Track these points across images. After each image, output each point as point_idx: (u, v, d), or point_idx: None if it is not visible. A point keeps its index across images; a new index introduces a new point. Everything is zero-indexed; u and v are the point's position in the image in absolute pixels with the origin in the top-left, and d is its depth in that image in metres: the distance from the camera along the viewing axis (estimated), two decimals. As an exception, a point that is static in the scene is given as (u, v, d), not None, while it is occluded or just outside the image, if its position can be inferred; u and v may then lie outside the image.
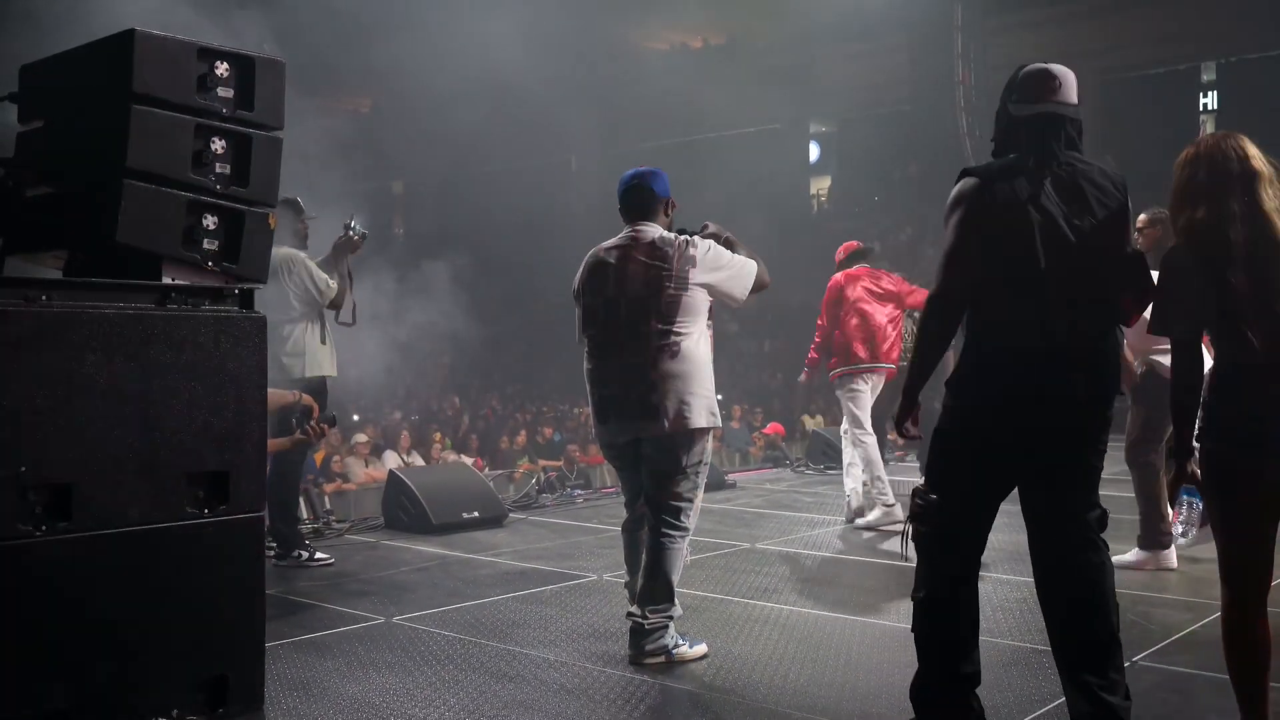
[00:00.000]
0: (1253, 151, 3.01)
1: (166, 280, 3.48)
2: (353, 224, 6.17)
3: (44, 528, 3.10)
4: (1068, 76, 3.22)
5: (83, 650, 3.17)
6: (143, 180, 3.41)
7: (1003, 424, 3.13)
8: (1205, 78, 20.05)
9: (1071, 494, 3.19)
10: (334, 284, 6.08)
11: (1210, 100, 20.01)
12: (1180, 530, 3.26)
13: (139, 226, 3.40)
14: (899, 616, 4.76)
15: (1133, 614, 4.81)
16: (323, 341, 6.10)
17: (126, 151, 3.36)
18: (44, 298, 3.18)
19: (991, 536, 6.29)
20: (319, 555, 6.09)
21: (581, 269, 4.37)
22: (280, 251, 5.70)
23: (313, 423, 5.68)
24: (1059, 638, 3.19)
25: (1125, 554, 5.70)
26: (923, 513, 3.23)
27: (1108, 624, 3.13)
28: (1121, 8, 19.17)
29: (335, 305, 6.13)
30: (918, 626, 3.23)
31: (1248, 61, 19.17)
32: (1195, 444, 3.03)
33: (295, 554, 6.03)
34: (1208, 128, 18.80)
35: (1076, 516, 3.17)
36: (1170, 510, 3.30)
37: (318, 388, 6.04)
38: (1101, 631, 3.12)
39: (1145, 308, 3.14)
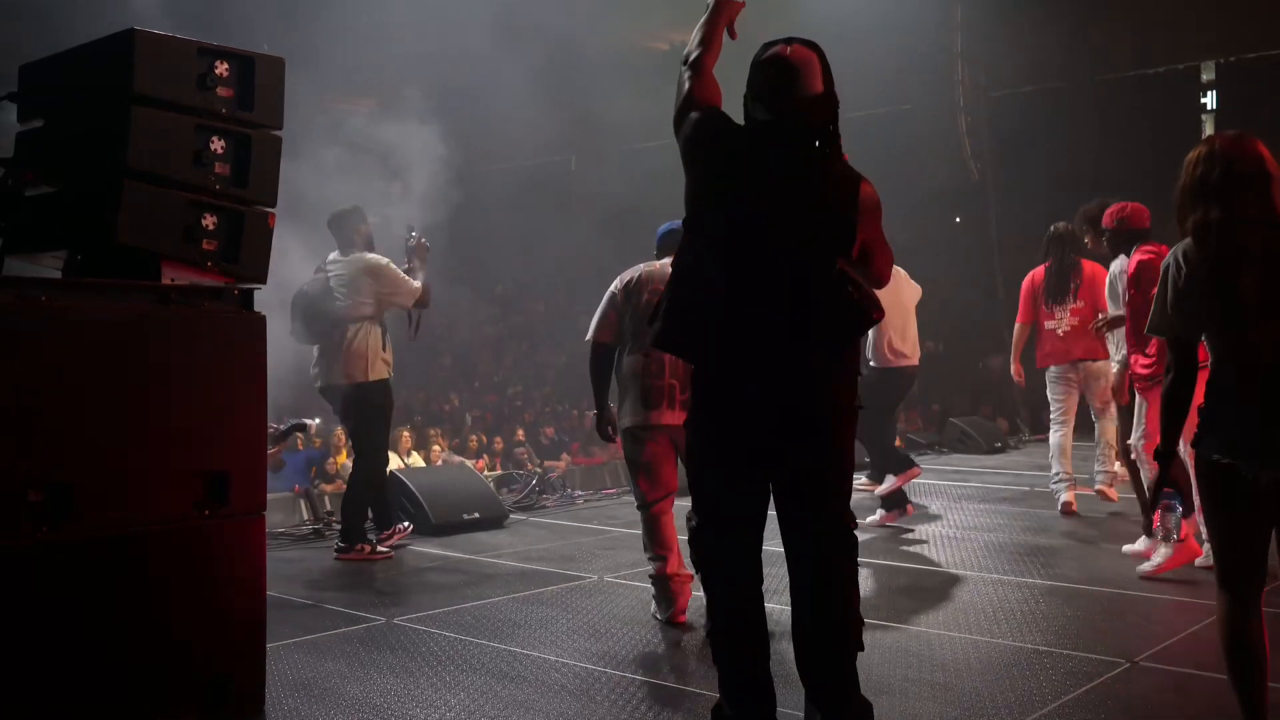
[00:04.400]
0: (1266, 154, 2.96)
1: (166, 280, 3.48)
2: (415, 232, 6.48)
3: (44, 528, 3.09)
4: (807, 61, 2.99)
5: (83, 650, 3.16)
6: (143, 180, 3.41)
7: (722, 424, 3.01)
8: (1205, 78, 20.02)
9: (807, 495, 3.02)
10: (414, 287, 6.30)
11: (1210, 100, 19.98)
12: (1161, 534, 3.21)
13: (139, 226, 3.40)
14: (899, 617, 4.76)
15: (1133, 614, 4.81)
16: (383, 346, 6.28)
17: (126, 151, 3.36)
18: (43, 298, 3.18)
19: (990, 536, 6.28)
20: (380, 549, 6.27)
21: (636, 275, 4.82)
22: (366, 256, 6.16)
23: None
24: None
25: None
26: (692, 538, 3.10)
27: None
28: (1122, 8, 19.14)
29: (423, 304, 6.37)
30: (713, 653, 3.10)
31: (1248, 61, 19.15)
32: (1192, 448, 3.01)
33: (358, 546, 6.20)
34: (1208, 128, 18.79)
35: (813, 526, 3.02)
36: (1153, 512, 3.23)
37: (380, 389, 6.24)
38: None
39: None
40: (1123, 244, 5.75)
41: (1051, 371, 7.24)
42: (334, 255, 6.31)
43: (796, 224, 2.96)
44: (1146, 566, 5.40)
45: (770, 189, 2.97)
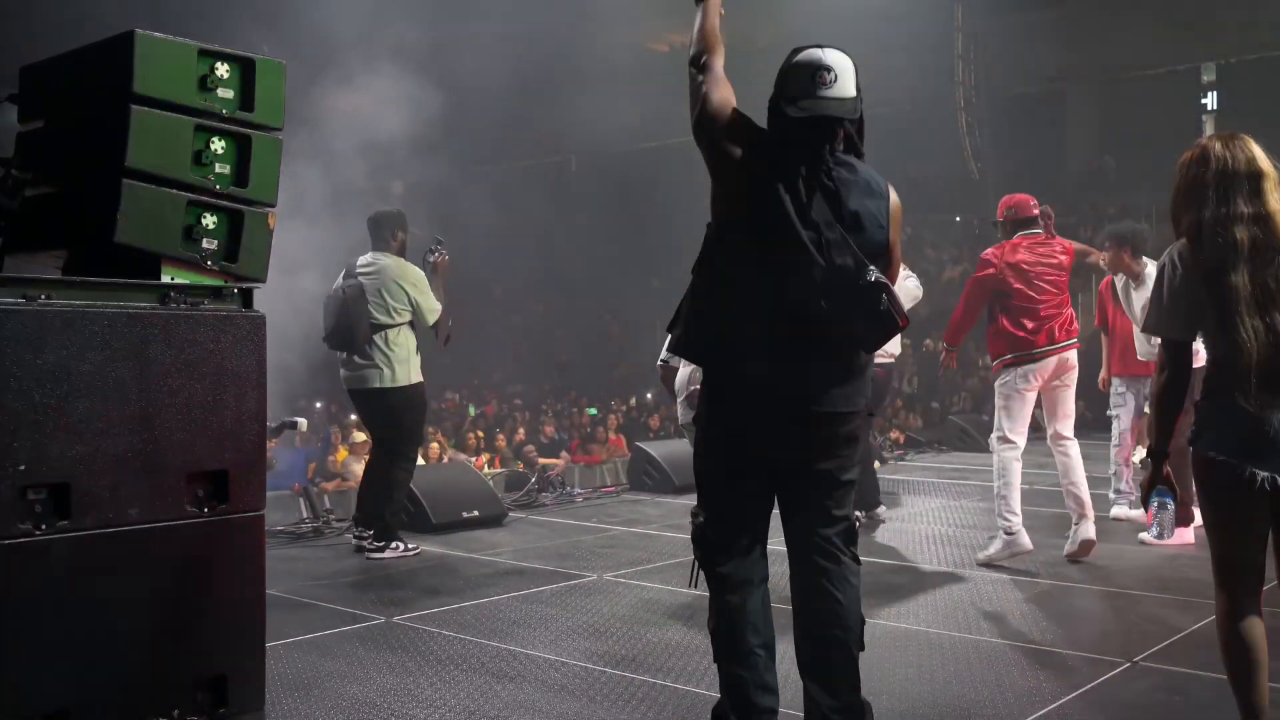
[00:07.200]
0: (1258, 152, 2.97)
1: (166, 280, 3.49)
2: (440, 245, 6.45)
3: (44, 527, 3.09)
4: (843, 65, 2.99)
5: (83, 650, 3.16)
6: (143, 180, 3.41)
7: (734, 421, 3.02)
8: (1205, 78, 20.03)
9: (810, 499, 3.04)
10: (438, 307, 6.31)
11: (1210, 101, 19.99)
12: (1155, 533, 3.21)
13: (139, 226, 3.40)
14: (902, 616, 4.77)
15: (1133, 614, 4.82)
16: (416, 350, 6.33)
17: (126, 151, 3.36)
18: (44, 297, 3.18)
19: (990, 535, 6.25)
20: (410, 546, 6.29)
21: None
22: (405, 265, 6.21)
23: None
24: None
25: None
26: (696, 536, 3.10)
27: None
28: (1121, 8, 19.15)
29: (436, 328, 6.37)
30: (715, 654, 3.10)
31: (1248, 62, 19.14)
32: (1189, 445, 3.01)
33: (394, 544, 6.22)
34: (1208, 128, 18.78)
35: (818, 525, 3.04)
36: (1145, 511, 3.23)
37: (418, 394, 6.31)
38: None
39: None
40: (1010, 233, 6.02)
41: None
42: (367, 258, 6.30)
43: (830, 228, 2.93)
44: (983, 554, 5.81)
45: (802, 192, 2.95)
